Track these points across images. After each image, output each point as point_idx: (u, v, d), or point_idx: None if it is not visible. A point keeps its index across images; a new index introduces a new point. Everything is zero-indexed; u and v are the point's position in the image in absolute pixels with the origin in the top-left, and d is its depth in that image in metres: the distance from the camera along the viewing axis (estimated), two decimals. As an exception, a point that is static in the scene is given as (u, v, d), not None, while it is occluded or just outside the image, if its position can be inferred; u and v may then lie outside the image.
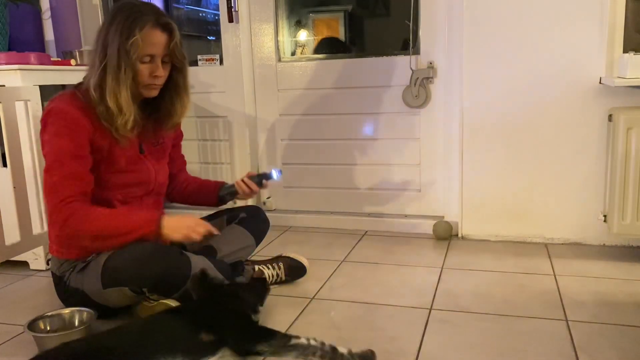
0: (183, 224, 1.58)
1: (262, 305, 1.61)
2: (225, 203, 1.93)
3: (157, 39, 1.56)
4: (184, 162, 2.01)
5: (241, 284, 1.69)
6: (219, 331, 1.34)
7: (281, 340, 1.35)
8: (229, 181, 1.86)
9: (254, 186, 1.84)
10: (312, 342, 1.35)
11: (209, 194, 1.93)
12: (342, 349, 1.34)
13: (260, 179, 1.85)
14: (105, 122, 1.57)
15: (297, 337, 1.36)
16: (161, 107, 1.71)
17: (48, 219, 1.61)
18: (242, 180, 1.85)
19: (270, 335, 1.37)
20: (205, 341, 1.31)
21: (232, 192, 1.88)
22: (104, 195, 1.64)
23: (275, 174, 1.86)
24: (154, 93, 1.64)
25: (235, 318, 1.44)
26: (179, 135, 1.94)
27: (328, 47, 2.79)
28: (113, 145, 1.62)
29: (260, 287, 1.66)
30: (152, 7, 1.60)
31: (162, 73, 1.60)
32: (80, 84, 1.64)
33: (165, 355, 1.22)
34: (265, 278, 1.87)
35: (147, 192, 1.74)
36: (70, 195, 1.52)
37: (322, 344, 1.35)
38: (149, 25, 1.54)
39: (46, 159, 1.56)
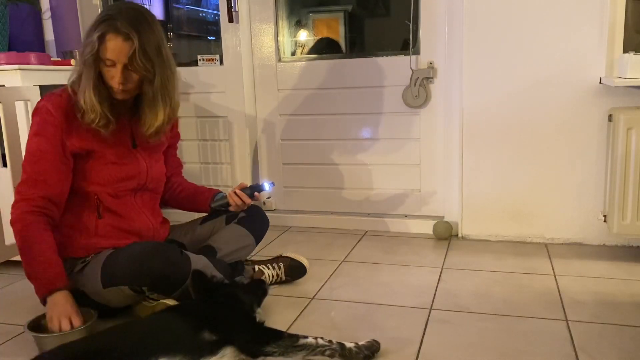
0: (60, 310, 1.51)
1: (259, 306, 1.61)
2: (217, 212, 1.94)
3: (114, 46, 1.54)
4: (180, 165, 2.00)
5: (239, 284, 1.69)
6: (223, 331, 1.34)
7: (289, 340, 1.36)
8: (229, 182, 1.86)
9: (246, 198, 1.86)
10: (320, 341, 1.36)
11: (202, 203, 1.94)
12: (349, 344, 1.38)
13: (252, 190, 1.88)
14: (80, 117, 1.60)
15: (305, 337, 1.37)
16: (139, 114, 1.69)
17: None
18: (235, 192, 1.87)
19: (278, 336, 1.38)
20: (207, 340, 1.31)
21: (224, 204, 1.90)
22: (93, 189, 1.65)
23: (267, 186, 1.90)
24: (121, 97, 1.63)
25: (241, 319, 1.44)
26: (175, 136, 1.93)
27: (323, 48, 2.79)
28: (100, 140, 1.64)
29: (258, 288, 1.66)
30: (129, 14, 1.56)
31: (121, 80, 1.57)
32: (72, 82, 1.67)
33: (165, 355, 1.22)
34: (264, 280, 1.87)
35: (140, 187, 1.74)
36: (32, 198, 1.56)
37: (330, 342, 1.37)
38: (109, 31, 1.53)
39: (25, 153, 1.62)
